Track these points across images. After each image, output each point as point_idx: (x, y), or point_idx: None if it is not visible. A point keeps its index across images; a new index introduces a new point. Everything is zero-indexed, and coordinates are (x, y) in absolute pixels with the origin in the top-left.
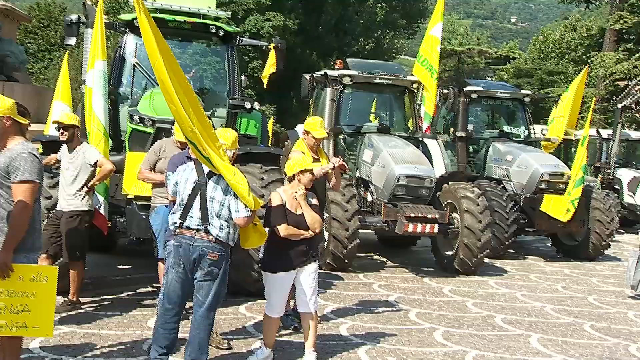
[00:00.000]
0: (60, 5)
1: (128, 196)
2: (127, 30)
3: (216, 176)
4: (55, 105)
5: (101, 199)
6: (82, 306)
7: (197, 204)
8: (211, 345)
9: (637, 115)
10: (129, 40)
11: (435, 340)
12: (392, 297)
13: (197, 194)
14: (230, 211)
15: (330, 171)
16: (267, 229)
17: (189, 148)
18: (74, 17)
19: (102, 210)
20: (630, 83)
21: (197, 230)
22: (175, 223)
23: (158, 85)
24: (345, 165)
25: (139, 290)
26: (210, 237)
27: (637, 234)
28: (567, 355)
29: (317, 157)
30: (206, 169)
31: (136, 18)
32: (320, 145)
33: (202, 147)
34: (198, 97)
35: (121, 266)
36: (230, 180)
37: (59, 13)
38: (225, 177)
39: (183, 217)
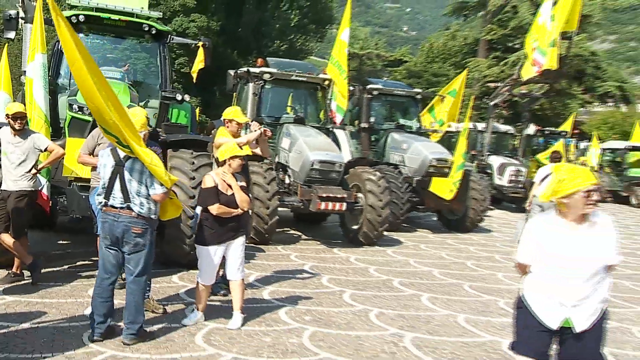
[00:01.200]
0: None
1: (68, 178)
2: None
3: (131, 159)
4: None
5: (44, 180)
6: (25, 278)
7: (117, 185)
8: (148, 310)
9: (504, 111)
10: None
11: (344, 301)
12: (306, 266)
13: (117, 176)
14: (147, 189)
15: (258, 138)
16: (200, 208)
17: None
18: (12, 12)
19: (45, 191)
20: (499, 85)
21: (121, 208)
22: (101, 202)
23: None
24: (268, 130)
25: (78, 263)
26: (133, 213)
27: (505, 210)
28: (452, 310)
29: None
30: (122, 154)
31: (74, 15)
32: (241, 133)
33: (122, 137)
34: (130, 88)
35: (61, 242)
36: (148, 165)
37: None
38: (144, 161)
39: (107, 197)
